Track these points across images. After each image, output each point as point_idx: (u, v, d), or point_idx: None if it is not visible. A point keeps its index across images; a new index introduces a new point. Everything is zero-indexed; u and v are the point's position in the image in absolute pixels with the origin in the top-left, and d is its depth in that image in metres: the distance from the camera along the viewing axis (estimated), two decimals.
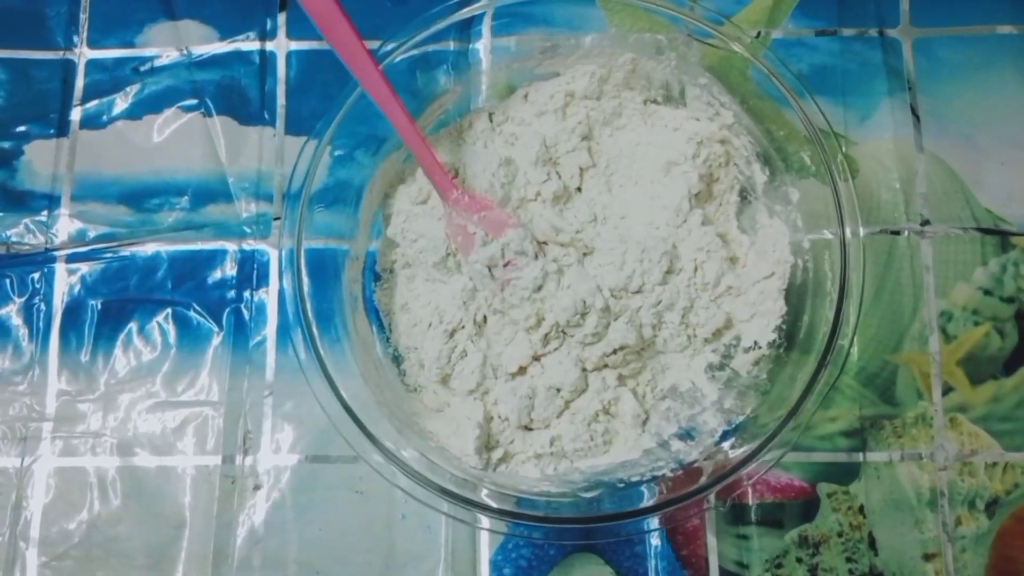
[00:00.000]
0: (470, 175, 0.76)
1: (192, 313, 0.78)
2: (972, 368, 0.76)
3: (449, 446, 0.71)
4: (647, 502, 0.67)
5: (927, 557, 0.73)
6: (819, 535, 0.73)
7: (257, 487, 0.75)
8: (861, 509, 0.74)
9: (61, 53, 0.84)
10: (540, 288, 0.73)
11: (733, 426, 0.72)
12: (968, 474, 0.74)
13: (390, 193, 0.78)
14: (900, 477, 0.74)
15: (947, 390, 0.76)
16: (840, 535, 0.73)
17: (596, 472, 0.72)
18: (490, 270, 0.73)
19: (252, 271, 0.79)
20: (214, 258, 0.80)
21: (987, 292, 0.77)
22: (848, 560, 0.73)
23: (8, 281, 0.79)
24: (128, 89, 0.83)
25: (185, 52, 0.84)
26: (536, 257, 0.73)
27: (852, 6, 0.84)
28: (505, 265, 0.73)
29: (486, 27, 0.80)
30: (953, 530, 0.73)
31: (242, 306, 0.78)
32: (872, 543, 0.73)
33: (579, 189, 0.78)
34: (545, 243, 0.75)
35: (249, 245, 0.80)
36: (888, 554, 0.73)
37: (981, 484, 0.74)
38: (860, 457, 0.75)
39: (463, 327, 0.74)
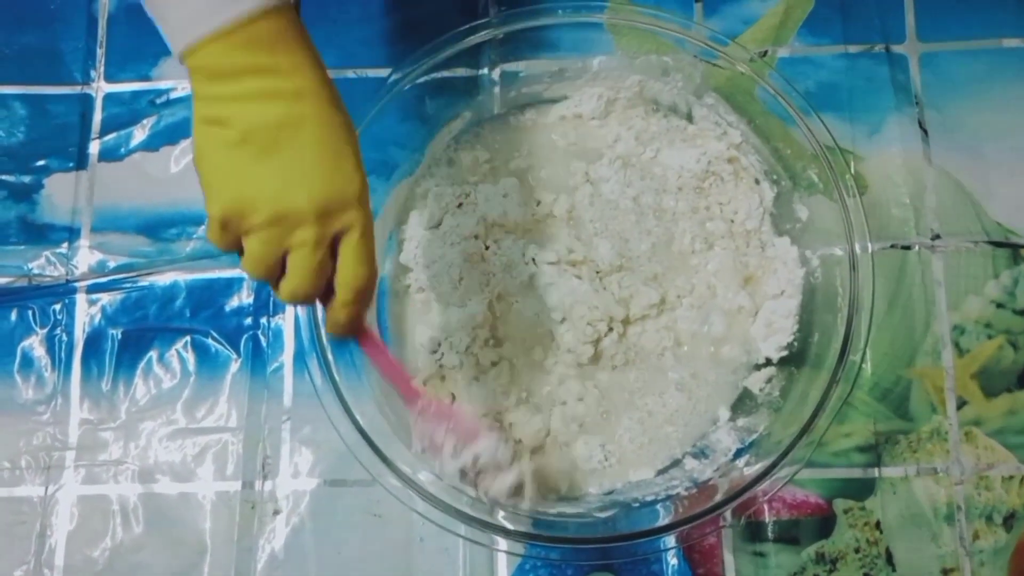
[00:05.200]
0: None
1: (210, 341, 0.79)
2: (986, 381, 0.76)
3: None
4: (663, 521, 0.68)
5: (945, 572, 0.72)
6: (836, 551, 0.73)
7: (276, 512, 0.76)
8: (878, 525, 0.74)
9: (79, 88, 0.86)
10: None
11: (747, 444, 0.72)
12: (985, 488, 0.74)
13: (403, 219, 0.79)
14: (916, 492, 0.74)
15: (961, 404, 0.76)
16: (857, 551, 0.73)
17: (611, 492, 0.72)
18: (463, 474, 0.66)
19: (269, 298, 0.80)
20: (231, 286, 0.81)
21: (999, 305, 0.77)
22: None
23: (30, 312, 0.80)
24: (145, 121, 0.85)
25: None
26: (511, 463, 0.65)
27: (858, 23, 0.84)
28: (477, 474, 0.65)
29: (495, 52, 0.81)
30: (971, 544, 0.73)
31: (259, 333, 0.79)
32: (889, 559, 0.73)
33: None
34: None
35: None
36: (906, 570, 0.73)
37: (998, 498, 0.74)
38: (876, 472, 0.75)
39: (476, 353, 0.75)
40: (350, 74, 0.84)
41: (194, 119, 0.51)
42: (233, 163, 0.50)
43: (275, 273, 0.53)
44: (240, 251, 0.53)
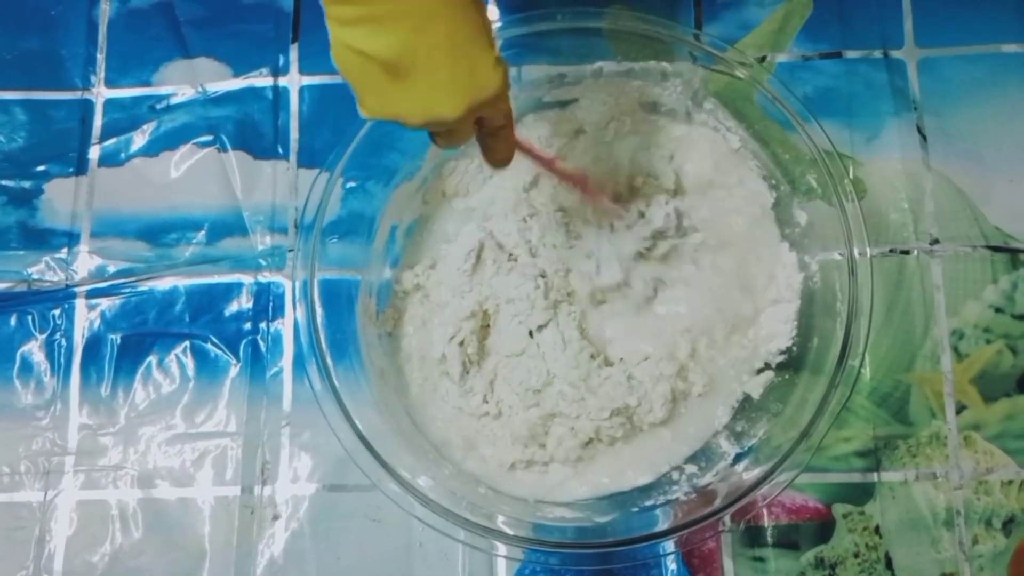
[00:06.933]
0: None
1: (209, 346, 0.79)
2: (985, 386, 0.76)
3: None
4: (662, 526, 0.68)
5: None
6: (835, 556, 0.73)
7: (276, 517, 0.76)
8: (877, 529, 0.74)
9: (79, 93, 0.86)
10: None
11: (746, 448, 0.72)
12: (984, 492, 0.74)
13: (402, 223, 0.79)
14: (915, 496, 0.74)
15: (960, 408, 0.76)
16: (856, 556, 0.73)
17: (610, 497, 0.72)
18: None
19: (268, 303, 0.80)
20: (230, 291, 0.81)
21: (998, 310, 0.77)
22: None
23: (30, 317, 0.80)
24: (145, 127, 0.85)
25: (200, 89, 0.85)
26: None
27: (856, 28, 0.84)
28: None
29: None
30: (970, 549, 0.73)
31: (259, 338, 0.80)
32: (889, 563, 0.73)
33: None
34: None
35: (265, 277, 0.81)
36: (905, 574, 0.73)
37: (997, 502, 0.74)
38: (875, 477, 0.74)
39: (472, 356, 0.75)
40: None
41: (331, 39, 0.52)
42: (378, 84, 0.53)
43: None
44: None
